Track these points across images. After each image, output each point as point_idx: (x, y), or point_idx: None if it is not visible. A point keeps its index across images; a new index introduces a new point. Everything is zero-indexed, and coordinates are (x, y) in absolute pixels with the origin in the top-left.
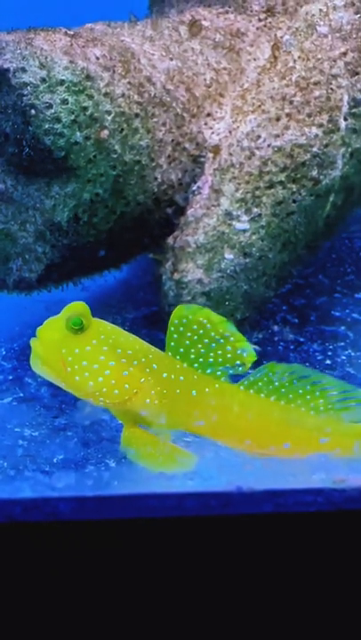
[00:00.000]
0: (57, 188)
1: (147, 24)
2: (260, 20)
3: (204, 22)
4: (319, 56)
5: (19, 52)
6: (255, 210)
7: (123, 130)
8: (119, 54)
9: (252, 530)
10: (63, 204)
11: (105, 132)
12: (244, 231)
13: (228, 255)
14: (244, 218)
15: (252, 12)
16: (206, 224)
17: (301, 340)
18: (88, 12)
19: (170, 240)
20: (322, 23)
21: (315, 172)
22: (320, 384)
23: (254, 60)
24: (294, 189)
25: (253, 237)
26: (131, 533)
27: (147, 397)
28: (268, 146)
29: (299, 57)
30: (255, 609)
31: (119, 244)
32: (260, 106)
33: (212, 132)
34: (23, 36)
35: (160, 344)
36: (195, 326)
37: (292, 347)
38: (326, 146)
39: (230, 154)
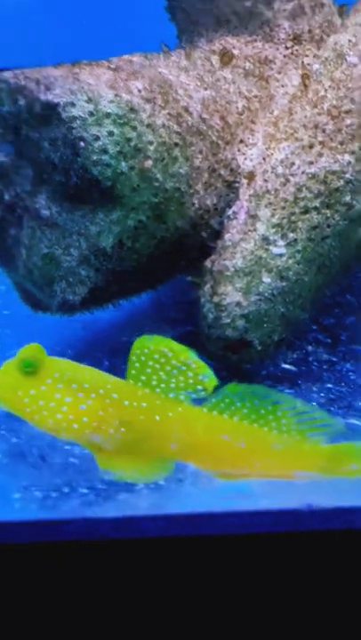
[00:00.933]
0: (102, 215)
1: (180, 54)
2: (287, 47)
3: (234, 51)
4: (350, 85)
5: (67, 87)
6: (291, 235)
7: (164, 159)
8: (158, 86)
9: (323, 547)
10: (108, 231)
11: (148, 162)
12: (281, 255)
13: (266, 279)
14: (281, 242)
15: (279, 40)
16: (244, 248)
17: (334, 359)
18: (119, 42)
19: (207, 263)
20: (351, 53)
21: (348, 198)
22: (280, 404)
23: (282, 86)
24: (328, 214)
25: (290, 261)
26: (210, 550)
27: (110, 428)
28: (303, 172)
29: (330, 86)
30: (328, 627)
31: (158, 267)
32: (293, 134)
33: (245, 159)
34: (70, 71)
35: None
36: (156, 355)
37: (325, 366)
38: (359, 172)
39: (265, 180)
